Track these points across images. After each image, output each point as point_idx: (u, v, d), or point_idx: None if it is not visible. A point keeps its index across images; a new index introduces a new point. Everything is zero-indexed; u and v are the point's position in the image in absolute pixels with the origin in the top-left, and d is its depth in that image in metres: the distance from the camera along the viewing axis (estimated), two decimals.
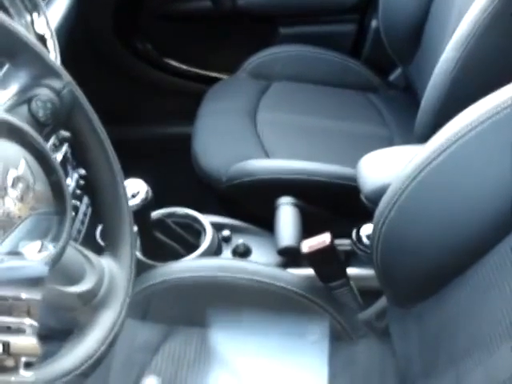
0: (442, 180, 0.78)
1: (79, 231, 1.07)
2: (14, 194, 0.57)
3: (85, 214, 1.12)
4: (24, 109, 0.66)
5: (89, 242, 1.04)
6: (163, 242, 1.10)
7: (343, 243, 1.12)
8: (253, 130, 1.39)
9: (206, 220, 1.17)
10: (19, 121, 0.61)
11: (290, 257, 1.11)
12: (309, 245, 1.00)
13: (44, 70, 0.68)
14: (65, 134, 1.00)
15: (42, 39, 0.92)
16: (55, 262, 0.59)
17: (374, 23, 1.64)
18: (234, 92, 1.53)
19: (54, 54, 0.96)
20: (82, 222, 1.10)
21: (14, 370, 0.59)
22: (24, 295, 0.60)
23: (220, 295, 0.99)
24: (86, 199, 1.14)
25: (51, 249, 0.58)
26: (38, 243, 0.58)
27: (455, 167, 0.76)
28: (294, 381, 0.96)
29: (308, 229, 1.12)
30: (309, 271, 1.08)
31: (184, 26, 1.72)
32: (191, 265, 1.04)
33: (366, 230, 1.11)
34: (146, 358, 0.94)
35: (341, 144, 1.36)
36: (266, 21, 1.70)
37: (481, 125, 0.73)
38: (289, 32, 1.70)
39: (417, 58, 1.47)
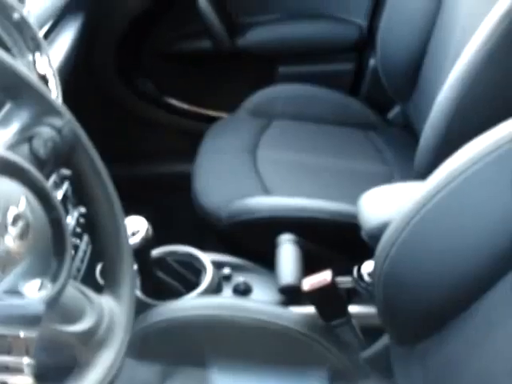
0: (442, 216, 0.78)
1: (79, 269, 1.06)
2: (13, 231, 0.57)
3: (85, 252, 1.11)
4: (25, 147, 0.66)
5: (88, 280, 1.03)
6: (163, 280, 1.09)
7: (344, 281, 1.12)
8: (253, 168, 1.39)
9: (207, 258, 1.16)
10: (20, 159, 0.61)
11: (291, 295, 1.10)
12: (310, 283, 1.00)
13: (45, 108, 0.69)
14: (65, 171, 1.01)
15: (43, 78, 0.93)
16: (54, 300, 0.58)
17: (372, 62, 1.67)
18: (234, 130, 1.54)
19: (55, 93, 0.97)
20: (82, 260, 1.10)
21: None
22: (22, 334, 0.60)
23: (220, 334, 0.98)
24: (86, 237, 1.14)
25: (50, 287, 0.58)
26: (37, 282, 0.58)
27: (455, 203, 0.77)
28: None
29: (309, 266, 1.11)
30: (310, 309, 1.07)
31: (184, 66, 1.75)
32: (191, 303, 1.03)
33: (368, 267, 1.10)
34: None
35: (341, 181, 1.37)
36: (265, 60, 1.73)
37: (481, 161, 0.73)
38: (288, 71, 1.72)
39: (415, 96, 1.48)
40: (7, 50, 0.93)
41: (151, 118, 1.78)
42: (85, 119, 0.77)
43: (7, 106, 0.69)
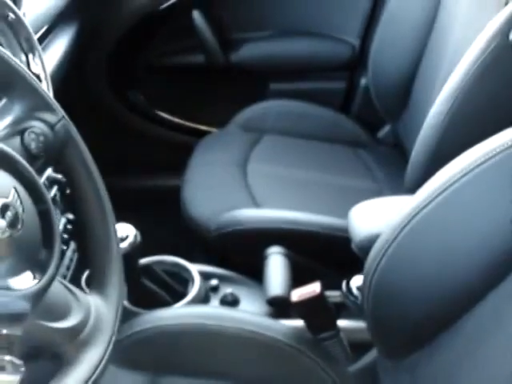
0: (432, 228, 0.78)
1: (64, 276, 1.05)
2: (2, 222, 0.56)
3: (71, 260, 1.10)
4: (16, 140, 0.65)
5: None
6: (150, 289, 1.08)
7: (333, 295, 1.11)
8: (243, 181, 1.39)
9: (194, 268, 1.15)
10: (10, 149, 0.60)
11: (279, 307, 1.09)
12: (298, 294, 0.99)
13: (38, 103, 0.69)
14: (55, 175, 1.00)
15: (37, 78, 0.93)
16: (42, 293, 0.57)
17: (363, 81, 1.68)
18: (224, 144, 1.54)
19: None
20: (68, 268, 1.08)
21: None
22: (5, 331, 0.59)
23: (207, 344, 0.97)
24: (72, 245, 1.13)
25: (39, 280, 0.57)
26: (25, 274, 0.57)
27: (445, 215, 0.77)
28: None
29: (297, 280, 1.11)
30: (298, 322, 1.06)
31: (176, 79, 1.75)
32: (178, 312, 1.02)
33: (356, 281, 1.10)
34: None
35: (330, 196, 1.37)
36: (258, 76, 1.73)
37: (471, 172, 0.74)
38: (279, 88, 1.73)
39: (405, 115, 1.49)
40: None
41: (141, 130, 1.78)
42: None
43: (2, 102, 0.69)
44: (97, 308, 0.66)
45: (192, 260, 1.21)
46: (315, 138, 1.58)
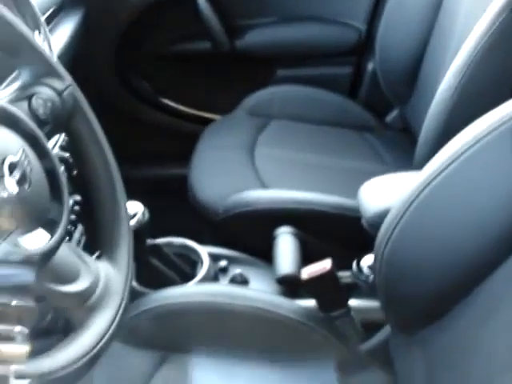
0: (444, 198, 0.77)
1: None
2: (11, 180, 0.55)
3: (78, 242, 1.09)
4: (24, 105, 0.65)
5: None
6: (158, 269, 1.07)
7: (343, 275, 1.10)
8: (251, 164, 1.38)
9: (203, 250, 1.14)
10: (16, 109, 0.60)
11: (289, 286, 1.08)
12: (309, 271, 0.98)
13: (46, 69, 0.68)
14: (63, 154, 1.00)
15: None
16: (52, 252, 0.56)
17: (370, 66, 1.67)
18: (231, 129, 1.53)
19: None
20: None
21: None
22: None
23: (217, 322, 0.96)
24: (80, 227, 1.12)
25: (49, 239, 0.56)
26: (35, 233, 0.56)
27: (457, 185, 0.76)
28: None
29: (307, 261, 1.10)
30: (308, 302, 1.05)
31: (182, 67, 1.74)
32: (187, 290, 1.01)
33: (367, 260, 1.09)
34: None
35: (339, 178, 1.35)
36: (264, 63, 1.72)
37: (482, 140, 0.73)
38: (286, 74, 1.72)
39: (413, 99, 1.48)
40: None
41: (146, 118, 1.77)
42: None
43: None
44: (107, 274, 0.66)
45: (201, 243, 1.20)
46: (323, 123, 1.56)
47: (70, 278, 0.61)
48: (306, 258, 1.12)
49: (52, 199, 0.59)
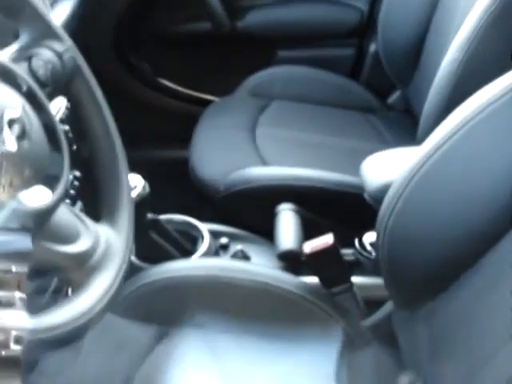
0: (448, 168, 0.77)
1: None
2: (10, 135, 0.54)
3: None
4: (24, 65, 0.65)
5: None
6: (159, 244, 1.06)
7: (345, 253, 1.09)
8: (251, 143, 1.37)
9: (204, 227, 1.13)
10: (14, 65, 0.59)
11: (291, 262, 1.07)
12: (311, 246, 0.97)
13: (46, 31, 0.68)
14: (63, 127, 0.99)
15: None
16: (52, 209, 0.56)
17: (372, 47, 1.66)
18: (233, 109, 1.52)
19: None
20: None
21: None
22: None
23: (219, 296, 0.95)
24: (79, 203, 1.11)
25: (50, 195, 0.55)
26: (35, 189, 0.55)
27: (462, 153, 0.75)
28: None
29: (307, 239, 1.09)
30: (309, 279, 1.04)
31: (182, 48, 1.73)
32: (188, 264, 1.00)
33: (369, 237, 1.08)
34: (139, 359, 0.89)
35: (341, 156, 1.35)
36: (265, 44, 1.71)
37: (487, 108, 0.73)
38: (287, 55, 1.71)
39: (415, 79, 1.47)
40: None
41: (146, 100, 1.76)
42: None
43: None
44: (107, 237, 0.65)
45: (202, 221, 1.19)
46: (324, 104, 1.55)
47: (71, 239, 0.61)
48: (307, 235, 1.11)
49: (52, 155, 0.58)
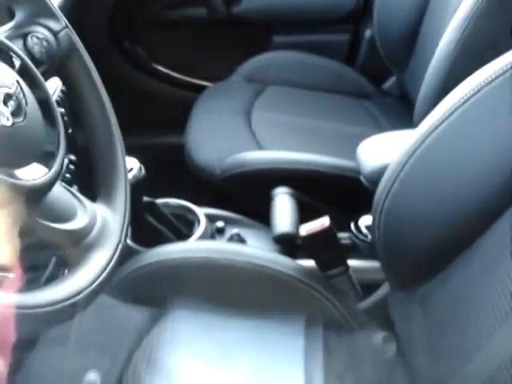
0: (445, 147, 0.77)
1: None
2: (5, 109, 0.54)
3: None
4: (19, 43, 0.64)
5: None
6: (155, 228, 1.06)
7: (341, 237, 1.09)
8: (247, 127, 1.37)
9: (200, 210, 1.13)
10: (7, 40, 0.59)
11: (287, 245, 1.07)
12: (307, 228, 0.97)
13: (42, 10, 0.68)
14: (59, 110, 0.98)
15: None
16: (49, 186, 0.56)
17: (368, 32, 1.66)
18: (228, 93, 1.52)
19: None
20: None
21: None
22: None
23: (215, 278, 0.95)
24: (75, 187, 1.11)
25: (46, 172, 0.55)
26: (32, 166, 0.55)
27: (458, 133, 0.75)
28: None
29: (304, 222, 1.09)
30: (305, 262, 1.04)
31: (178, 33, 1.72)
32: (184, 247, 1.00)
33: (365, 221, 1.08)
34: (135, 341, 0.89)
35: (337, 141, 1.35)
36: (260, 29, 1.71)
37: (483, 89, 0.73)
38: (282, 40, 1.70)
39: (411, 64, 1.47)
40: None
41: (141, 86, 1.75)
42: None
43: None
44: (103, 215, 0.65)
45: (198, 205, 1.19)
46: (320, 89, 1.55)
47: (67, 217, 0.61)
48: (303, 219, 1.11)
49: (48, 132, 0.58)
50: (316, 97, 1.53)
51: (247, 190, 1.26)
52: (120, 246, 0.64)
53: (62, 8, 1.26)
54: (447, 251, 0.78)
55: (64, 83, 0.72)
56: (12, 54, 0.59)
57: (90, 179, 0.78)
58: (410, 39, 1.43)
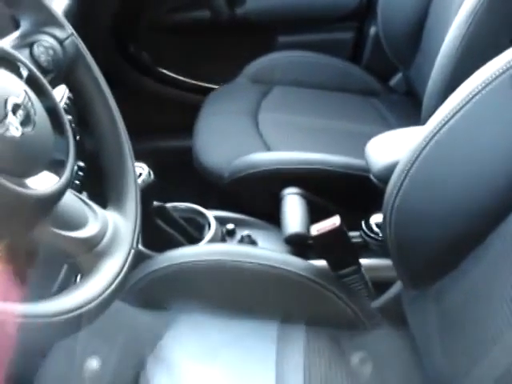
0: (455, 143, 0.76)
1: None
2: (14, 120, 0.54)
3: None
4: (25, 52, 0.65)
5: None
6: (165, 232, 1.06)
7: (352, 235, 1.09)
8: (254, 129, 1.37)
9: (210, 213, 1.13)
10: (16, 52, 0.59)
11: (298, 246, 1.07)
12: (318, 228, 0.97)
13: (47, 18, 0.68)
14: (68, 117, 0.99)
15: None
16: (59, 194, 0.55)
17: (372, 30, 1.65)
18: (234, 95, 1.52)
19: None
20: None
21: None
22: None
23: (226, 280, 0.95)
24: (84, 194, 1.11)
25: (57, 181, 0.55)
26: (42, 175, 0.55)
27: (468, 128, 0.75)
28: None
29: (314, 221, 1.09)
30: (317, 262, 1.04)
31: (182, 36, 1.72)
32: (195, 250, 1.00)
33: (375, 219, 1.08)
34: (149, 344, 0.89)
35: (345, 140, 1.34)
36: (265, 30, 1.71)
37: (484, 89, 0.72)
38: (287, 40, 1.70)
39: (417, 59, 1.46)
40: None
41: (147, 90, 1.76)
42: None
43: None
44: (114, 222, 0.65)
45: (207, 208, 1.19)
46: (326, 88, 1.55)
47: (79, 224, 0.61)
48: (313, 219, 1.11)
49: (57, 141, 0.58)
50: (322, 96, 1.52)
51: (256, 191, 1.25)
52: (132, 252, 0.64)
53: (66, 14, 1.27)
54: (459, 248, 0.78)
55: (71, 90, 0.72)
56: (19, 63, 0.59)
57: (99, 185, 0.78)
58: (415, 35, 1.43)
